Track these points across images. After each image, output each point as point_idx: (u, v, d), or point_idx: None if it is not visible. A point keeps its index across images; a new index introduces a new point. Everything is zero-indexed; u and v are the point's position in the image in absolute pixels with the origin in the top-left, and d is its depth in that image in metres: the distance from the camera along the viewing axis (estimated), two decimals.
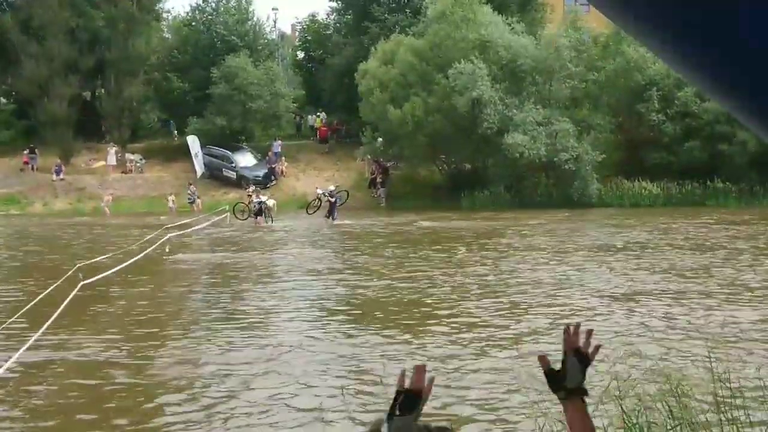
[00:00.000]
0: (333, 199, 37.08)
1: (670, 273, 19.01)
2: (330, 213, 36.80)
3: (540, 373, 2.35)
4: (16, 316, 12.13)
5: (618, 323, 13.40)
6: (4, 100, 59.63)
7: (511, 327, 13.49)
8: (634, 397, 5.94)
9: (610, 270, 19.88)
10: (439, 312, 14.95)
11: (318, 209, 38.66)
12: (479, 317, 14.35)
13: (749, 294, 15.99)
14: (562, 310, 14.71)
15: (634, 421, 5.77)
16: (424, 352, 11.73)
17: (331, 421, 8.78)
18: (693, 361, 9.71)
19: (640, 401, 5.89)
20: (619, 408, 5.81)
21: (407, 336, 12.93)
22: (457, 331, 13.25)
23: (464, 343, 12.34)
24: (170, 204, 44.52)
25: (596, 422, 6.02)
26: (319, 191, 39.52)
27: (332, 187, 38.49)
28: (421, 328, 13.54)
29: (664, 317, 13.87)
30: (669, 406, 5.78)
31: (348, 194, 41.90)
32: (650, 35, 1.34)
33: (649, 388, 6.13)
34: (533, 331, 13.12)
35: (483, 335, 12.86)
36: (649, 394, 5.98)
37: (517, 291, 17.06)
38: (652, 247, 24.35)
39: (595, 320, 13.70)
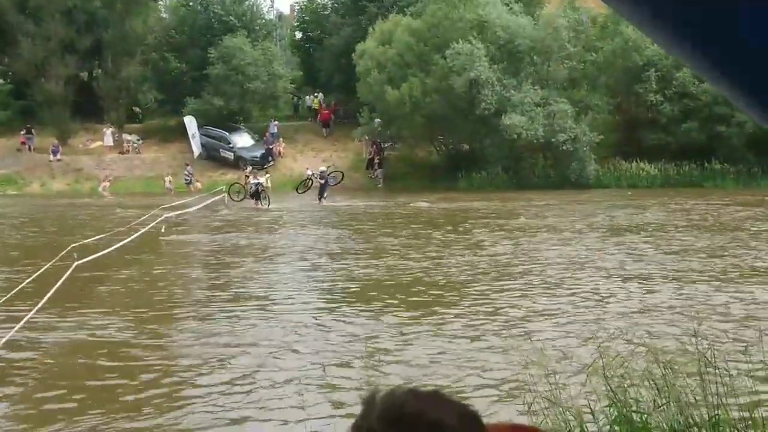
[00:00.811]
0: (323, 180, 36.77)
1: (687, 253, 19.01)
2: (321, 194, 36.55)
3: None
4: (7, 296, 12.11)
5: (628, 303, 13.40)
6: (1, 81, 59.40)
7: (519, 308, 13.47)
8: (621, 374, 5.94)
9: (628, 250, 19.88)
10: (467, 293, 14.91)
11: (308, 189, 38.41)
12: (494, 299, 14.33)
13: (763, 275, 15.91)
14: (578, 291, 14.73)
15: (621, 398, 5.78)
16: (442, 334, 11.74)
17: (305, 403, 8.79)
18: (680, 340, 9.73)
19: (623, 378, 5.89)
20: (606, 385, 5.81)
21: (418, 317, 12.93)
22: (473, 312, 13.24)
23: (476, 324, 12.35)
24: (167, 184, 44.57)
25: (583, 400, 6.06)
26: (309, 172, 39.24)
27: (323, 168, 38.26)
28: (438, 310, 13.51)
29: (671, 298, 13.83)
30: (656, 384, 5.78)
31: (343, 175, 41.60)
32: (652, 31, 1.32)
33: (637, 366, 6.13)
34: (538, 312, 13.14)
35: (486, 318, 12.86)
36: (637, 372, 5.98)
37: (538, 270, 17.07)
38: (668, 227, 24.33)
39: (603, 299, 13.79)
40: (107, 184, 44.83)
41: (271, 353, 10.83)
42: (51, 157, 48.78)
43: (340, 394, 8.96)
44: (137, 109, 56.70)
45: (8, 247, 23.90)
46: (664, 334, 10.86)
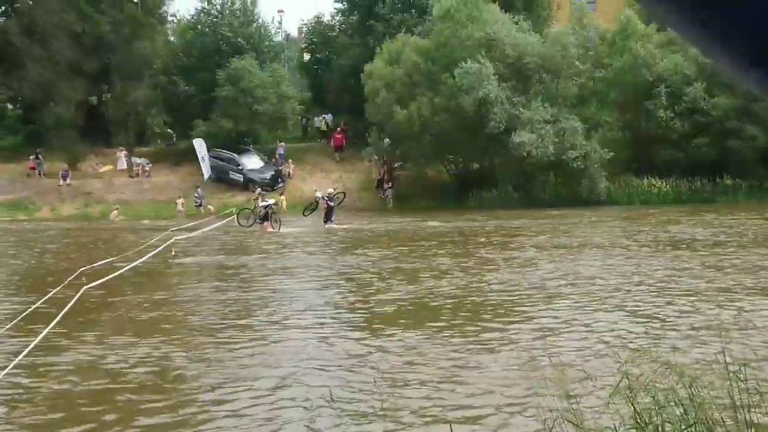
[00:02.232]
0: (331, 202, 35.82)
1: (732, 269, 18.67)
2: (327, 217, 35.52)
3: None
4: (15, 321, 11.93)
5: (664, 321, 13.16)
6: (10, 106, 59.63)
7: (549, 324, 13.24)
8: (647, 396, 5.72)
9: (671, 266, 19.62)
10: (524, 312, 14.70)
11: (314, 211, 37.92)
12: (528, 316, 14.10)
13: None
14: (615, 308, 14.54)
15: (647, 421, 5.56)
16: (463, 350, 11.50)
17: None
18: (709, 360, 9.48)
19: (648, 398, 5.67)
20: (631, 407, 5.59)
21: (445, 333, 12.69)
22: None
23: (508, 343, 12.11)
24: (179, 207, 44.64)
25: (607, 422, 5.85)
26: (318, 194, 38.42)
27: (331, 190, 37.66)
28: (468, 327, 13.28)
29: (706, 314, 13.55)
30: (683, 405, 5.57)
31: (345, 195, 40.98)
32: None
33: (663, 386, 5.92)
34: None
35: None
36: (662, 392, 5.77)
37: (576, 287, 16.86)
38: (718, 244, 24.02)
39: (639, 316, 13.57)
40: (116, 212, 44.77)
41: (296, 375, 10.61)
42: (60, 181, 48.82)
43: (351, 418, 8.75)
44: (170, 131, 56.80)
45: (18, 272, 23.75)
46: (693, 351, 10.63)
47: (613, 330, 12.64)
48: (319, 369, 10.86)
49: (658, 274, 18.45)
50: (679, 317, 13.54)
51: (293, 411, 9.11)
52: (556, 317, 13.92)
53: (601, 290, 16.48)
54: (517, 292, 16.58)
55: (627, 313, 14.05)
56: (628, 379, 5.72)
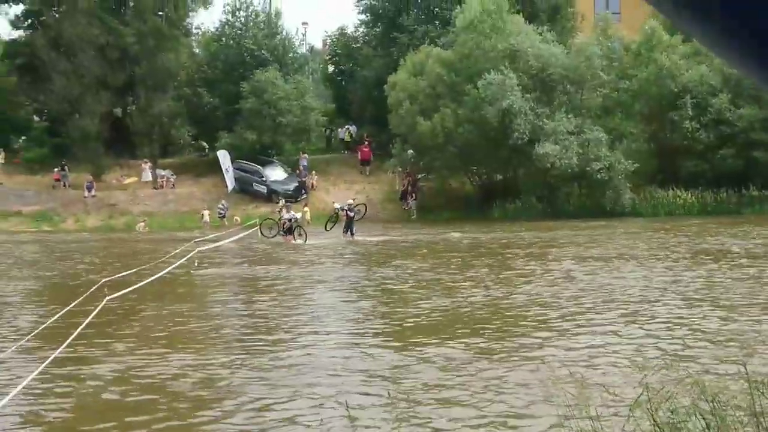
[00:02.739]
0: (351, 214, 35.60)
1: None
2: (347, 228, 35.36)
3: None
4: (33, 333, 11.96)
5: (686, 333, 13.04)
6: (36, 119, 60.03)
7: (571, 337, 13.16)
8: (667, 409, 5.64)
9: (704, 278, 19.48)
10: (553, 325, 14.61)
11: (335, 224, 37.35)
12: (551, 329, 14.02)
13: None
14: (639, 320, 14.44)
15: None
16: (483, 365, 11.44)
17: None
18: (732, 373, 9.37)
19: (670, 413, 5.60)
20: (652, 421, 5.52)
21: (469, 348, 12.63)
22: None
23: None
24: (205, 218, 44.80)
25: None
26: (337, 206, 38.04)
27: (350, 201, 37.41)
28: (491, 342, 13.21)
29: (732, 327, 13.43)
30: (705, 419, 5.49)
31: (366, 208, 40.49)
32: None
33: (684, 399, 5.84)
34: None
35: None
36: (683, 407, 5.69)
37: (604, 299, 16.80)
38: (753, 256, 23.71)
39: (662, 328, 13.45)
40: (143, 224, 45.06)
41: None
42: (85, 193, 49.13)
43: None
44: (204, 143, 56.96)
45: (48, 283, 23.84)
46: (719, 365, 10.51)
47: (643, 343, 12.52)
48: (339, 382, 10.84)
49: (694, 286, 18.29)
50: (711, 331, 13.39)
51: (309, 423, 9.09)
52: (588, 330, 13.81)
53: (635, 302, 16.35)
54: (552, 305, 16.47)
55: (660, 326, 13.91)
56: (648, 392, 5.64)
